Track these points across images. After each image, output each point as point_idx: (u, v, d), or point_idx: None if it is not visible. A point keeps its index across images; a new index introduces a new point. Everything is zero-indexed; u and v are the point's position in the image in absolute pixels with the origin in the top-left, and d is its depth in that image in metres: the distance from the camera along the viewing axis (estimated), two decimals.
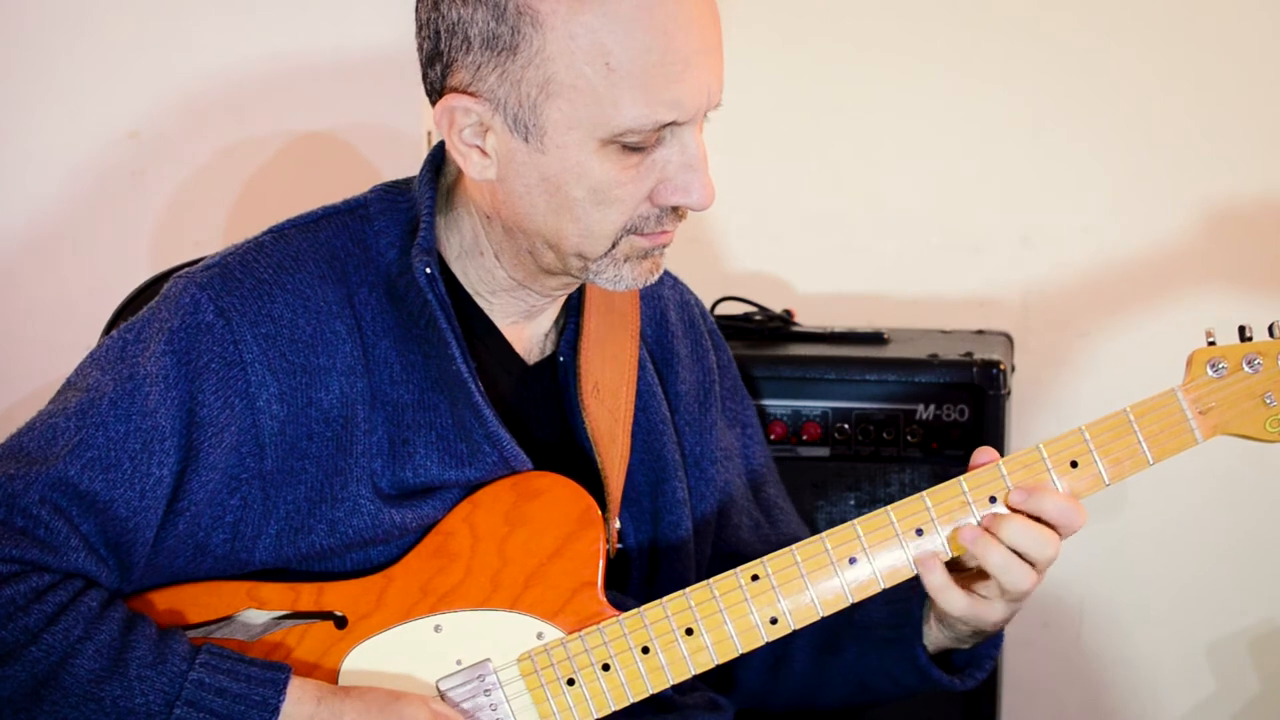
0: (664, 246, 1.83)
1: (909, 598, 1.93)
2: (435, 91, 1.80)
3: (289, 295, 1.81)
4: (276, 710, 1.71)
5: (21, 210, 2.72)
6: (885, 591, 1.88)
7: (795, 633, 1.97)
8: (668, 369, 2.06)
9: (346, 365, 1.82)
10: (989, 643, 1.94)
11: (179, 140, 2.76)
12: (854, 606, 1.97)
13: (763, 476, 2.14)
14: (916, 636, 1.92)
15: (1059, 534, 1.80)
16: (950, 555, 1.82)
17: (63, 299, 2.74)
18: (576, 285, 1.92)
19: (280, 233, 1.88)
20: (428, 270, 1.83)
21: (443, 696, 1.80)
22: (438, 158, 1.90)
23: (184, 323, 1.79)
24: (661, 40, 1.71)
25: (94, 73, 2.72)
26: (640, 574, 1.99)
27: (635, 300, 2.02)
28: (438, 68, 1.78)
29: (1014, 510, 1.81)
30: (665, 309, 2.07)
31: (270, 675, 1.72)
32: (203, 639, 1.79)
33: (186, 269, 1.85)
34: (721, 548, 2.06)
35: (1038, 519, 1.80)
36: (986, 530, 1.79)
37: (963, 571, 1.85)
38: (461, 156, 1.79)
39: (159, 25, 2.74)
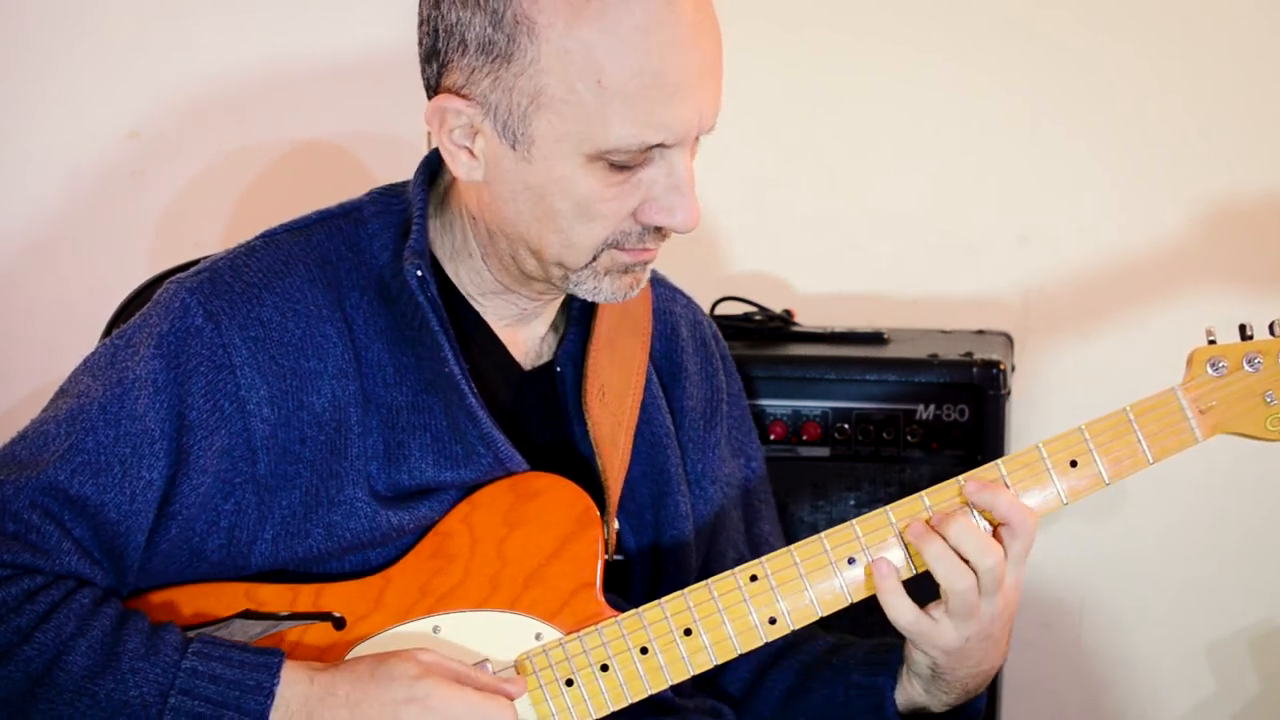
0: (645, 263, 1.83)
1: (890, 650, 1.93)
2: (430, 88, 1.81)
3: (278, 299, 1.82)
4: (271, 693, 1.70)
5: (21, 210, 2.72)
6: (868, 644, 1.92)
7: (773, 668, 2.00)
8: (674, 384, 2.06)
9: (338, 368, 1.82)
10: (967, 711, 1.93)
11: (179, 141, 2.77)
12: (834, 649, 1.98)
13: (758, 512, 2.14)
14: (890, 684, 1.92)
15: (1013, 535, 1.79)
16: (913, 571, 1.82)
17: (62, 299, 2.75)
18: (561, 292, 1.91)
19: (271, 237, 1.88)
20: (419, 273, 1.83)
21: None
22: (434, 161, 1.91)
23: (173, 327, 1.79)
24: (655, 63, 1.70)
25: (94, 73, 2.72)
26: (642, 587, 1.99)
27: (648, 310, 2.02)
28: (434, 65, 1.79)
29: (968, 502, 1.81)
30: (676, 324, 2.08)
31: (264, 660, 1.72)
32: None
33: (178, 274, 1.86)
34: (703, 573, 2.05)
35: (995, 524, 1.81)
36: (931, 527, 1.80)
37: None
38: (450, 156, 1.80)
39: (159, 26, 2.74)
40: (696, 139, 1.78)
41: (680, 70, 1.71)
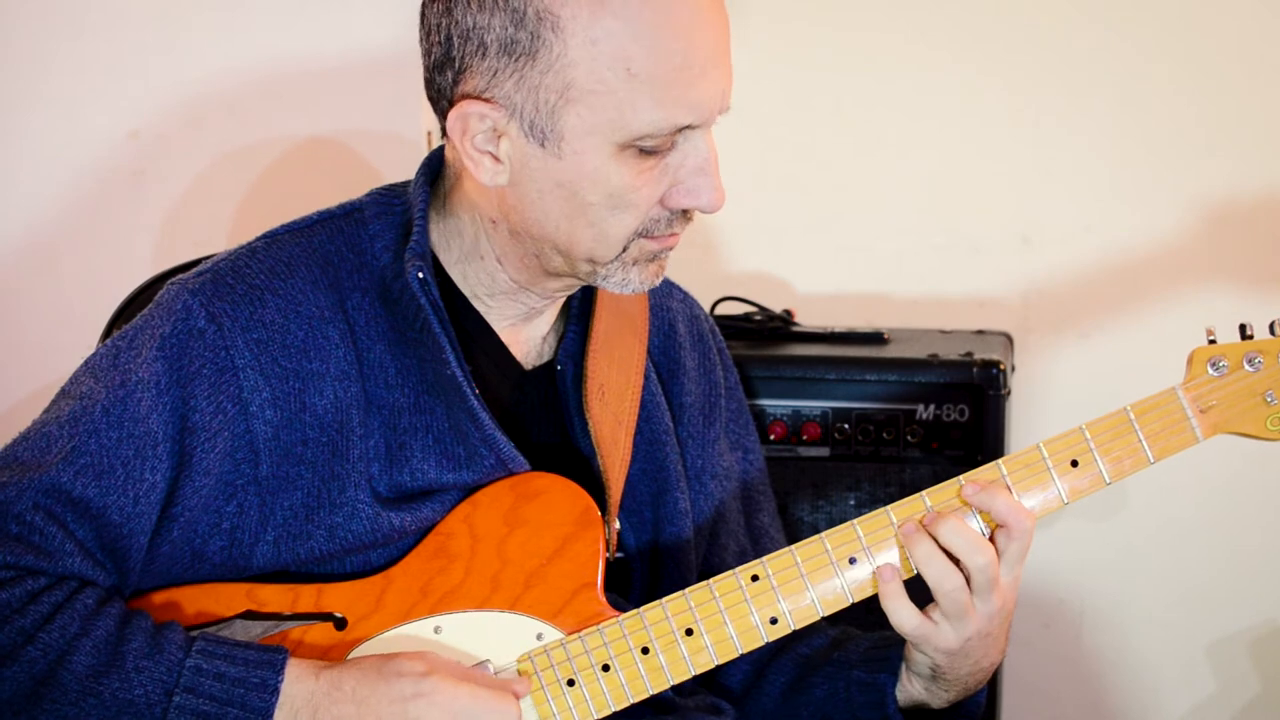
0: (670, 249, 1.84)
1: (891, 646, 1.93)
2: (444, 97, 1.80)
3: (280, 300, 1.81)
4: (276, 690, 1.70)
5: (21, 211, 2.72)
6: (869, 639, 1.92)
7: (774, 663, 2.00)
8: (672, 380, 2.06)
9: (340, 370, 1.82)
10: (967, 708, 1.93)
11: (179, 141, 2.76)
12: (835, 644, 1.98)
13: (758, 504, 2.15)
14: (891, 682, 1.92)
15: (1010, 537, 1.79)
16: (912, 571, 1.83)
17: (62, 300, 2.74)
18: (579, 287, 1.92)
19: (273, 238, 1.88)
20: (420, 275, 1.83)
21: None
22: (434, 161, 1.90)
23: (175, 329, 1.79)
24: (680, 44, 1.71)
25: (94, 73, 2.72)
26: (642, 585, 1.99)
27: (645, 307, 2.03)
28: (448, 74, 1.78)
29: (966, 503, 1.82)
30: (674, 320, 2.08)
31: (268, 657, 1.72)
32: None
33: (180, 275, 1.85)
34: (704, 567, 2.06)
35: (993, 526, 1.81)
36: (922, 528, 1.80)
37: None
38: (473, 163, 1.79)
39: (159, 26, 2.74)
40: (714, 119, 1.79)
41: (701, 50, 1.73)
